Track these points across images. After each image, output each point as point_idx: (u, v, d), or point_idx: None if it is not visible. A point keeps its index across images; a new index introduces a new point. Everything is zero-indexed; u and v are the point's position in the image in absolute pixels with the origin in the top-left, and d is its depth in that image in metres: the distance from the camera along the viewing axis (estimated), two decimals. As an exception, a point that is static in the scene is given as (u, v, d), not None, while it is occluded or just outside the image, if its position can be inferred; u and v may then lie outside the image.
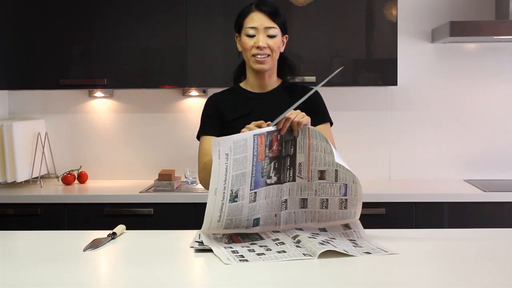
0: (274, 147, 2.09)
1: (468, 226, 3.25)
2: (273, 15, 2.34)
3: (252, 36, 2.34)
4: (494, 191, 3.44)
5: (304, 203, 2.17)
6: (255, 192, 2.08)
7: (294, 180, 2.14)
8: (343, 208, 2.15)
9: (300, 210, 2.17)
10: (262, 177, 2.08)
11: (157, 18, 3.64)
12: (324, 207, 2.17)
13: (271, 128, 2.08)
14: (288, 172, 2.13)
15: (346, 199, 2.14)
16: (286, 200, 2.15)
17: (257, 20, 2.34)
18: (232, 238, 2.09)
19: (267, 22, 2.33)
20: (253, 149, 2.05)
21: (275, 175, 2.11)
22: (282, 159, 2.12)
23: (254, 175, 2.06)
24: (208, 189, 2.35)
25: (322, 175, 2.14)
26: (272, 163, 2.10)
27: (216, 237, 2.08)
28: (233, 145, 2.00)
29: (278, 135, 2.09)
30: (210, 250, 2.01)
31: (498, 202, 3.39)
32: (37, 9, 3.67)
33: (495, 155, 3.91)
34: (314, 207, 2.17)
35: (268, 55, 2.35)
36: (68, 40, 3.68)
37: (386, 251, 1.99)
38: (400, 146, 3.94)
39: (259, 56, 2.34)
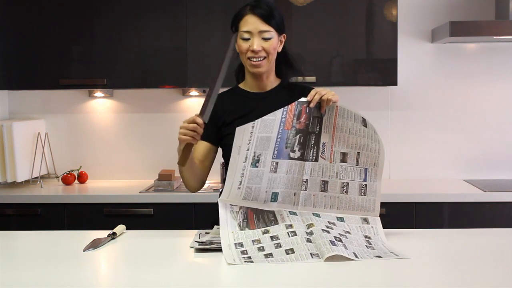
0: (302, 119, 2.14)
1: (468, 226, 3.25)
2: (267, 18, 2.31)
3: (247, 40, 2.33)
4: (494, 191, 3.44)
5: (324, 186, 2.18)
6: (277, 163, 2.12)
7: (316, 160, 2.17)
8: (362, 194, 2.18)
9: (320, 194, 2.18)
10: (286, 148, 2.13)
11: (157, 18, 3.64)
12: (344, 192, 2.19)
13: (302, 99, 2.14)
14: (312, 150, 2.16)
15: (365, 185, 2.18)
16: (307, 180, 2.17)
17: (251, 23, 2.32)
18: (247, 217, 2.09)
19: (262, 25, 2.31)
20: (282, 115, 2.10)
21: (299, 150, 2.15)
22: (308, 134, 2.15)
23: (278, 142, 2.11)
24: (188, 188, 2.39)
25: (344, 157, 2.18)
26: (298, 136, 2.14)
27: (232, 210, 2.09)
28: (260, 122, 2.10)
29: (307, 108, 2.14)
30: (210, 250, 2.02)
31: (498, 202, 3.39)
32: (37, 9, 3.67)
33: (495, 155, 3.91)
34: (334, 191, 2.19)
35: (264, 58, 2.34)
36: (68, 40, 3.68)
37: (398, 255, 1.98)
38: (400, 146, 3.94)
39: (254, 60, 2.33)
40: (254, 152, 2.08)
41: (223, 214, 2.09)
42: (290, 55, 2.48)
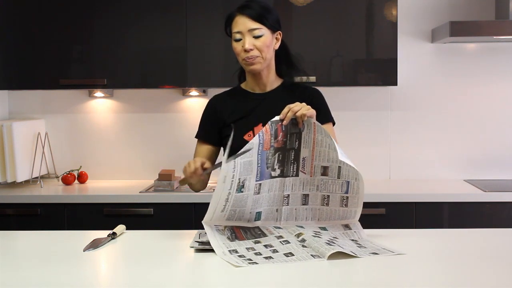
0: (279, 137, 2.11)
1: (468, 226, 3.25)
2: (256, 16, 2.31)
3: (239, 40, 2.34)
4: (494, 191, 3.44)
5: (305, 199, 2.17)
6: (260, 184, 2.10)
7: (297, 175, 2.15)
8: (343, 206, 2.16)
9: (301, 207, 2.17)
10: (267, 168, 2.10)
11: (157, 18, 3.64)
12: (325, 204, 2.17)
13: (275, 118, 2.10)
14: (292, 166, 2.14)
15: (347, 197, 2.15)
16: (288, 195, 2.16)
17: (240, 23, 2.32)
18: (235, 232, 2.09)
19: (251, 24, 2.31)
20: (259, 137, 2.07)
21: (278, 168, 2.12)
22: (287, 151, 2.13)
23: (259, 164, 2.08)
24: (193, 190, 2.43)
25: (325, 171, 2.15)
26: (277, 154, 2.11)
27: (218, 229, 2.09)
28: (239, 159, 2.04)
29: (283, 126, 2.10)
30: (210, 250, 2.01)
31: (498, 202, 3.39)
32: (37, 9, 3.67)
33: (495, 155, 3.91)
34: (315, 203, 2.18)
35: (258, 56, 2.34)
36: (68, 40, 3.68)
37: (393, 252, 1.98)
38: (400, 146, 3.94)
39: (248, 59, 2.33)
40: (239, 179, 2.04)
41: (210, 231, 2.07)
42: (292, 54, 2.48)
